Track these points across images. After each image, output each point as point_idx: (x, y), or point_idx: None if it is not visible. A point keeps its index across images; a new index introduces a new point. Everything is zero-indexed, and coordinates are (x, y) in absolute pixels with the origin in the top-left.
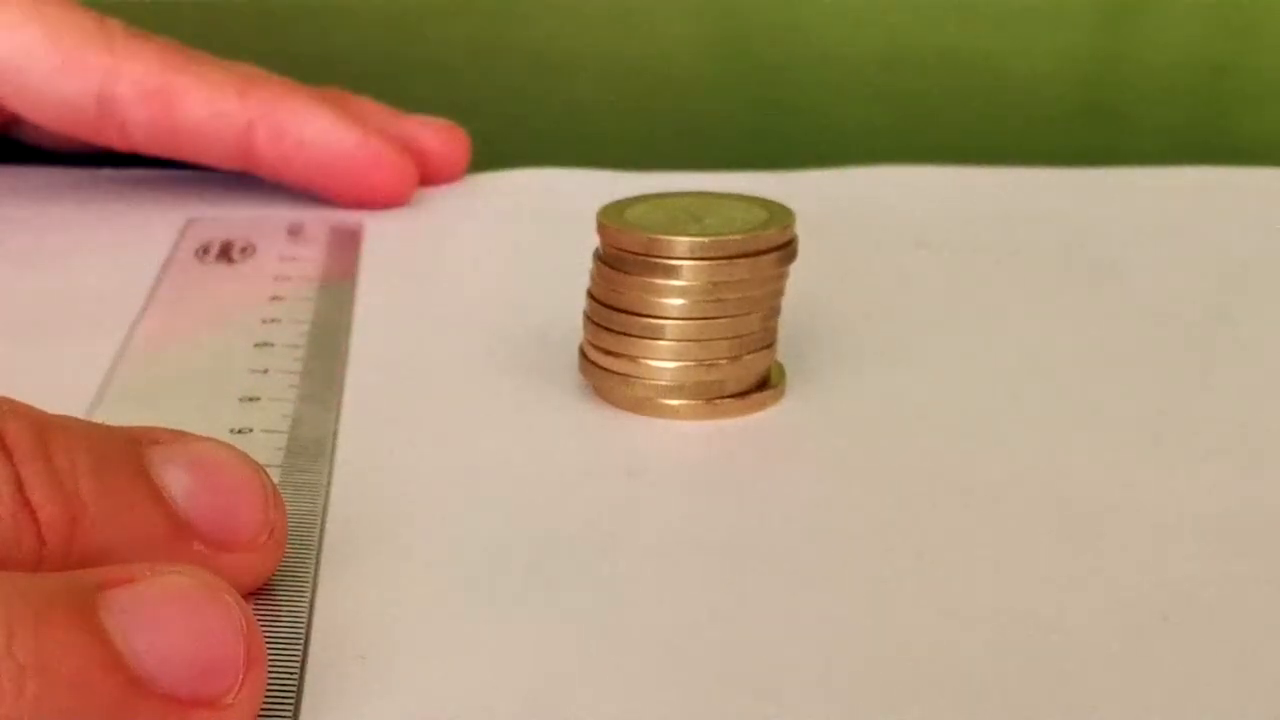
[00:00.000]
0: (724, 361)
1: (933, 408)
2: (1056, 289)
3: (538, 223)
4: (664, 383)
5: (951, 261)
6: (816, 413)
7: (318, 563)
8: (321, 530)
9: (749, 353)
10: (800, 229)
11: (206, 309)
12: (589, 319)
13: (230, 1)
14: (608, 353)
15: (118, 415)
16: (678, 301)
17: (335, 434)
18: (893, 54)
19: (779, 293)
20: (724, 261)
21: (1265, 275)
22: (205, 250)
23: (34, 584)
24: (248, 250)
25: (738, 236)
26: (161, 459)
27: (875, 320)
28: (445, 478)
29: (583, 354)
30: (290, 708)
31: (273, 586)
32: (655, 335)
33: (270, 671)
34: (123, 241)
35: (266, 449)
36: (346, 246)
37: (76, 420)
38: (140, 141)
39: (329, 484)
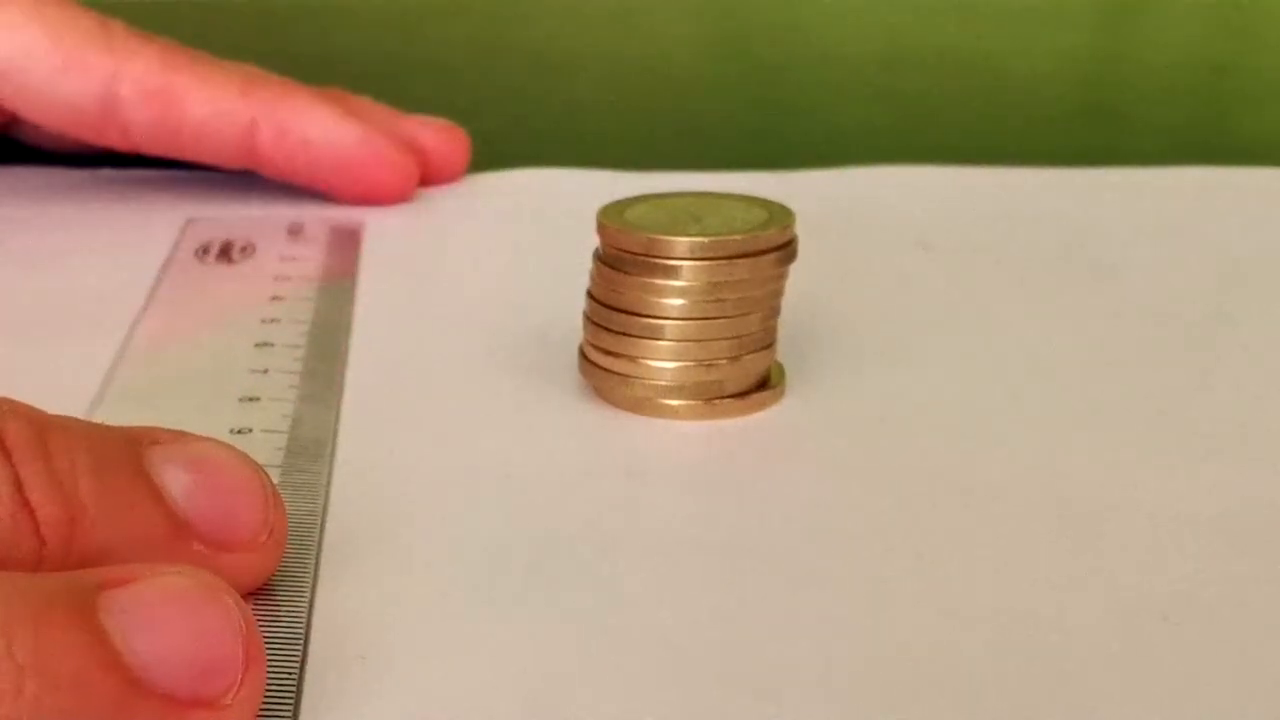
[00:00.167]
0: (724, 362)
1: (933, 408)
2: (1056, 289)
3: (538, 223)
4: (664, 383)
5: (951, 261)
6: (816, 413)
7: (317, 563)
8: (321, 530)
9: (749, 353)
10: (800, 229)
11: (206, 309)
12: (589, 319)
13: (230, 1)
14: (607, 353)
15: (118, 415)
16: (677, 302)
17: (335, 434)
18: (893, 54)
19: (779, 293)
20: (724, 261)
21: (1265, 275)
22: (205, 250)
23: (33, 584)
24: (248, 250)
25: (738, 236)
26: (161, 459)
27: (875, 320)
28: (445, 478)
29: (582, 354)
30: (289, 708)
31: (273, 586)
32: (655, 335)
33: (270, 671)
34: (123, 241)
35: (266, 449)
36: (346, 246)
37: (76, 420)
38: (142, 142)
39: (329, 484)
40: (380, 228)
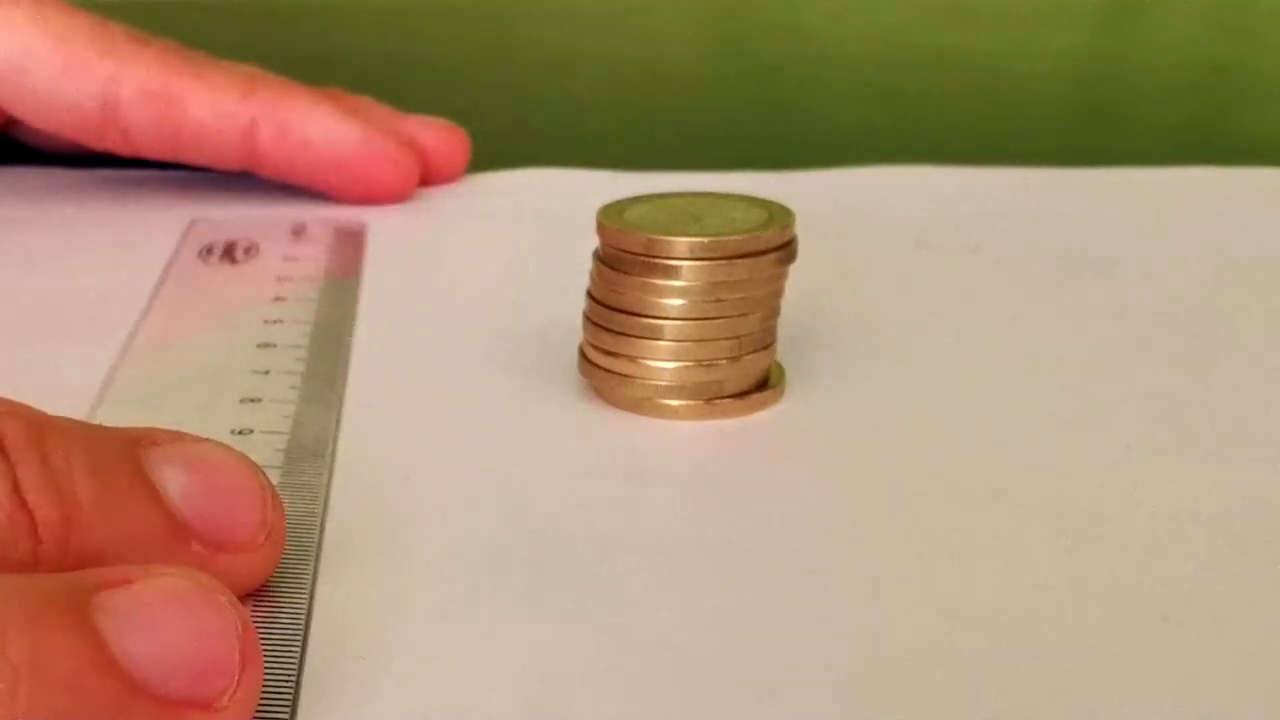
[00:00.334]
0: (723, 362)
1: (933, 407)
2: (1056, 289)
3: (538, 223)
4: (664, 383)
5: (951, 261)
6: (816, 413)
7: (317, 563)
8: (321, 531)
9: (748, 353)
10: (800, 229)
11: (209, 309)
12: (589, 319)
13: (230, 1)
14: (607, 353)
15: (119, 416)
16: (677, 302)
17: (336, 435)
18: (893, 54)
19: (779, 293)
20: (724, 262)
21: (1265, 275)
22: (208, 251)
23: (29, 585)
24: (251, 250)
25: (738, 237)
26: (159, 459)
27: (875, 320)
28: (445, 478)
29: (582, 354)
30: (288, 708)
31: (272, 587)
32: (655, 336)
33: (267, 672)
34: (125, 242)
35: (267, 450)
36: (349, 247)
37: (74, 421)
38: (142, 144)
39: (329, 484)
40: (383, 228)
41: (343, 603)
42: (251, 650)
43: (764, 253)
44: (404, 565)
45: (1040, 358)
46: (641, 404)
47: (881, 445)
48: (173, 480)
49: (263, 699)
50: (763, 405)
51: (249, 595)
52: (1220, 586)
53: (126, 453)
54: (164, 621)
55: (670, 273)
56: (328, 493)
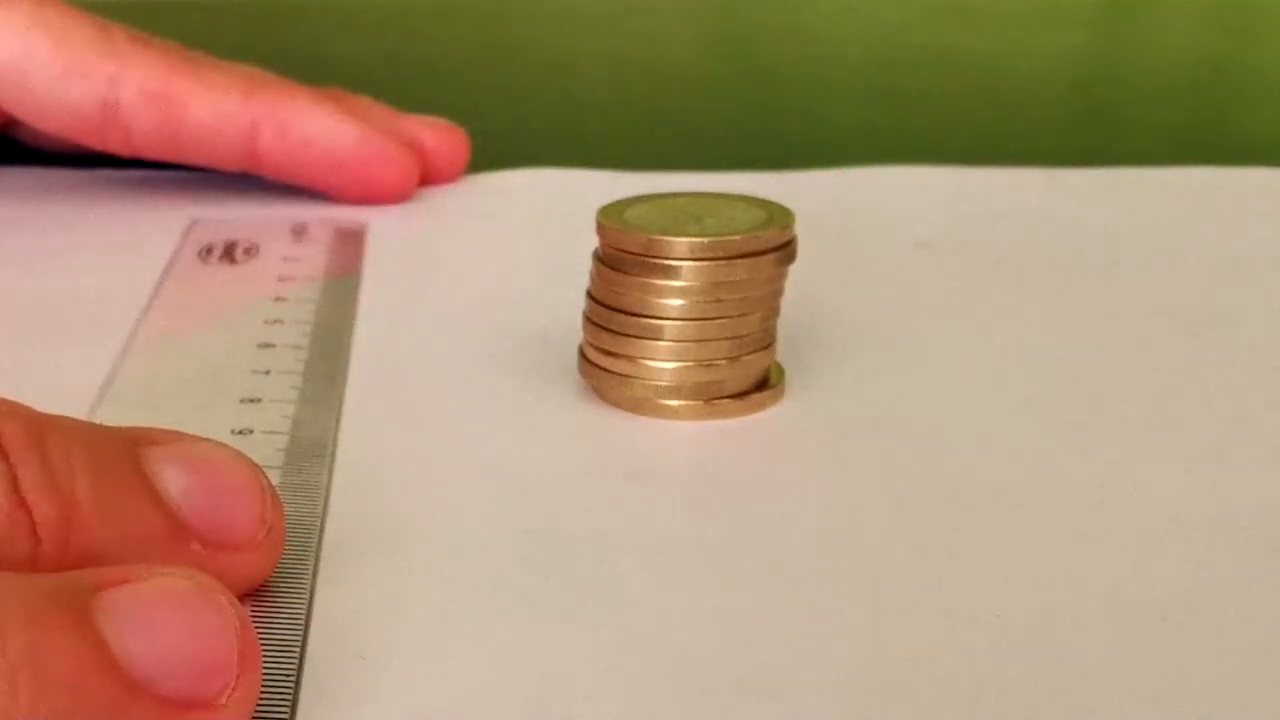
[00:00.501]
0: (723, 362)
1: (932, 408)
2: (1056, 289)
3: (538, 223)
4: (663, 383)
5: (951, 261)
6: (816, 413)
7: (317, 563)
8: (321, 531)
9: (748, 353)
10: (800, 229)
11: (209, 309)
12: (589, 319)
13: (230, 1)
14: (607, 353)
15: (119, 416)
16: (677, 302)
17: (336, 435)
18: (893, 54)
19: (778, 293)
20: (723, 262)
21: (1265, 275)
22: (209, 251)
23: (29, 584)
24: (251, 251)
25: (737, 237)
26: (158, 459)
27: (874, 320)
28: (445, 478)
29: (582, 354)
30: (287, 708)
31: (272, 586)
32: (654, 336)
33: (267, 672)
34: (126, 242)
35: (267, 450)
36: (350, 247)
37: (73, 420)
38: (143, 146)
39: (329, 484)
40: (383, 228)
41: (343, 603)
42: (250, 650)
43: (764, 253)
44: (404, 565)
45: (1040, 358)
46: (641, 404)
47: (881, 445)
48: (172, 479)
49: (263, 698)
50: (762, 405)
51: (249, 595)
52: (1220, 586)
53: (126, 452)
54: (163, 621)
55: (670, 273)
56: (328, 493)
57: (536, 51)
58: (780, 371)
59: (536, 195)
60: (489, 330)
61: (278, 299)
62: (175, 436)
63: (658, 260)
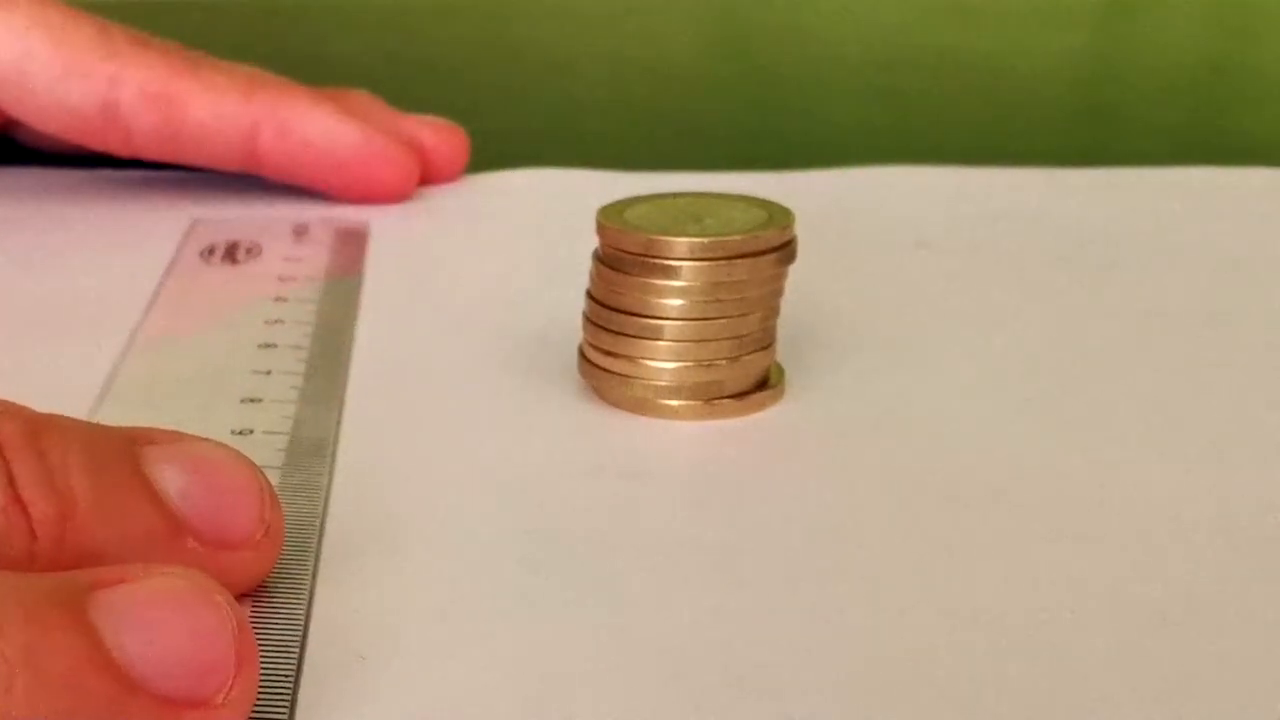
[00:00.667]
0: (723, 362)
1: (932, 407)
2: (1056, 289)
3: (538, 222)
4: (663, 383)
5: (951, 261)
6: (816, 413)
7: (316, 563)
8: (321, 530)
9: (748, 353)
10: (800, 229)
11: (210, 309)
12: (588, 319)
13: (230, 1)
14: (607, 353)
15: (119, 416)
16: (677, 302)
17: (336, 435)
18: (893, 54)
19: (778, 293)
20: (723, 262)
21: (1265, 275)
22: (210, 251)
23: (26, 583)
24: (253, 251)
25: (737, 237)
26: (157, 458)
27: (875, 320)
28: (445, 478)
29: (582, 354)
30: (286, 707)
31: (271, 586)
32: (654, 336)
33: (266, 672)
34: (126, 242)
35: (267, 450)
36: (351, 247)
37: (72, 420)
38: (143, 147)
39: (329, 484)
40: (384, 228)
41: (343, 603)
42: (247, 649)
43: (764, 253)
44: (404, 565)
45: (1040, 358)
46: (641, 404)
47: (881, 445)
48: (171, 479)
49: (261, 698)
50: (762, 405)
51: (248, 594)
52: (1220, 586)
53: (124, 451)
54: (160, 620)
55: (670, 273)
56: (328, 493)
57: (536, 51)
58: (780, 371)
59: (536, 195)
60: (489, 330)
61: (278, 299)
62: (174, 436)
63: (658, 260)
